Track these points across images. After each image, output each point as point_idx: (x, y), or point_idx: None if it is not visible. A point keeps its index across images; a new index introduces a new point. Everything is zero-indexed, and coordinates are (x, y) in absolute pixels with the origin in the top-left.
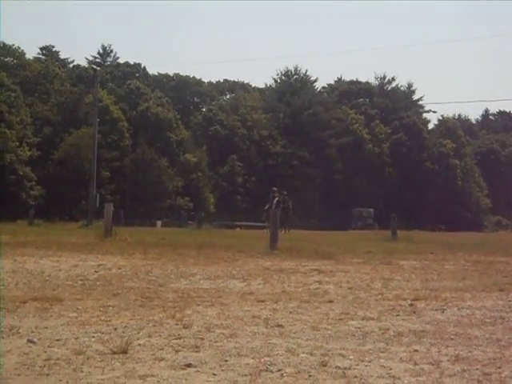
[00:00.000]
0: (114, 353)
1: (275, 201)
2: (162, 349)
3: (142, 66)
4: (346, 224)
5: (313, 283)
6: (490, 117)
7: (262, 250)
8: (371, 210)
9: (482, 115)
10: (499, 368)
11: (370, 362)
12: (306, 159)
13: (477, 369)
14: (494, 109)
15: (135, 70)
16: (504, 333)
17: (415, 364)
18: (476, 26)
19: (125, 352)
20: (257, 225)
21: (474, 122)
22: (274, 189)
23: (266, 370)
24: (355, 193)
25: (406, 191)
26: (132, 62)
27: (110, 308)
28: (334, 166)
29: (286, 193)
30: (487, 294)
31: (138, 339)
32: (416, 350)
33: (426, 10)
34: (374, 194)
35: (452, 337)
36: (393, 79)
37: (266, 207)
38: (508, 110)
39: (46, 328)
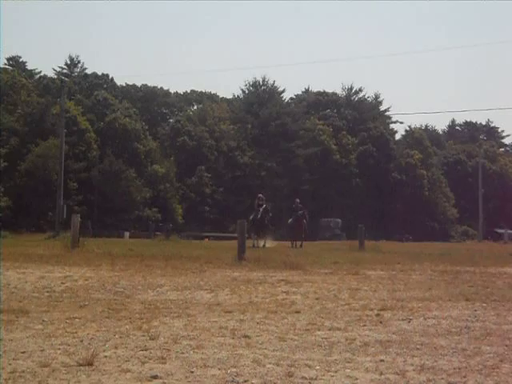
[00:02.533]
0: (80, 365)
1: (261, 209)
2: (128, 360)
3: (110, 76)
4: (314, 234)
5: (280, 294)
6: (457, 127)
7: (230, 261)
8: (339, 220)
9: (449, 126)
10: (464, 377)
11: (336, 372)
12: (274, 170)
13: (442, 378)
14: (460, 119)
15: (103, 81)
16: (469, 342)
17: (381, 374)
18: (441, 38)
19: (90, 364)
20: (225, 236)
21: (441, 133)
22: (260, 196)
23: (232, 381)
24: (323, 203)
25: (374, 202)
26: (100, 73)
27: (77, 320)
28: (302, 176)
29: (298, 200)
30: (453, 303)
31: (104, 351)
32: (382, 360)
33: (393, 22)
34: (342, 205)
35: (418, 346)
36: (360, 90)
37: (251, 217)
38: (474, 121)
39: (12, 340)
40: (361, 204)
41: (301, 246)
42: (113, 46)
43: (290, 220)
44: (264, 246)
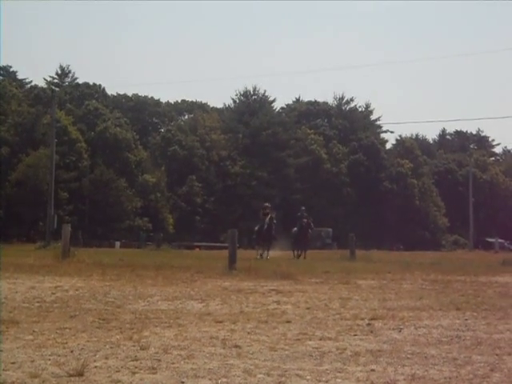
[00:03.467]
0: (70, 375)
1: (267, 219)
2: (119, 371)
3: (102, 86)
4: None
5: (271, 303)
6: (447, 137)
7: (221, 271)
8: (330, 229)
9: (439, 135)
10: None
11: (326, 382)
12: (265, 179)
13: None
14: (450, 129)
15: (94, 91)
16: (460, 352)
17: (372, 383)
18: (432, 47)
19: (81, 374)
20: (216, 245)
21: (432, 142)
22: (267, 204)
23: None
24: (314, 213)
25: (365, 211)
26: (91, 83)
27: (67, 330)
28: (293, 185)
29: (304, 208)
30: (444, 312)
31: (95, 361)
32: (373, 370)
33: (383, 32)
34: (333, 214)
35: (409, 356)
36: (351, 100)
37: (257, 228)
38: (465, 130)
39: (1, 351)
40: (352, 213)
41: (304, 257)
42: (104, 55)
43: (294, 229)
44: (267, 257)
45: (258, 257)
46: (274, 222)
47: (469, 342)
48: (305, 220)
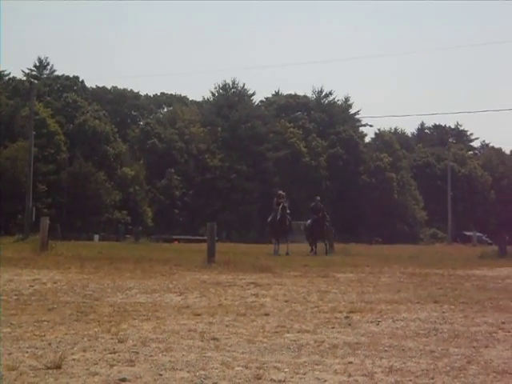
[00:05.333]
0: (48, 368)
1: (280, 208)
2: (97, 363)
3: (80, 79)
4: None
5: (249, 296)
6: (426, 130)
7: (200, 264)
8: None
9: (418, 129)
10: (432, 379)
11: (304, 374)
12: (244, 173)
13: (410, 380)
14: (429, 122)
15: (73, 83)
16: (437, 344)
17: (349, 376)
18: (411, 41)
19: (58, 367)
20: (195, 238)
21: (410, 136)
22: (280, 192)
23: None
24: (293, 206)
25: (343, 204)
26: (70, 75)
27: (45, 323)
28: (272, 179)
29: (319, 198)
30: (422, 305)
31: (73, 354)
32: (350, 362)
33: (362, 25)
34: (311, 207)
35: (386, 348)
36: (330, 93)
37: (270, 218)
38: (443, 124)
39: None
40: (330, 207)
41: (326, 252)
42: (83, 48)
43: (308, 222)
44: (287, 253)
45: (273, 253)
46: (288, 211)
47: (446, 335)
48: (319, 213)
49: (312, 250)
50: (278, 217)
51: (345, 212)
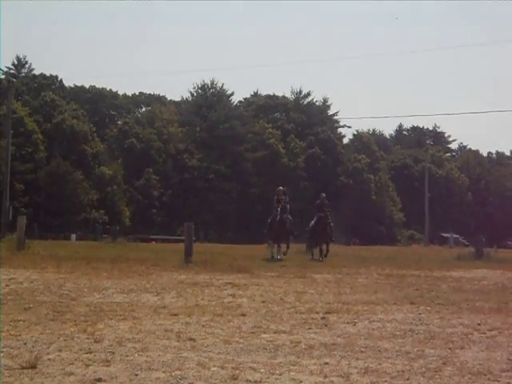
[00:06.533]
0: (23, 368)
1: (280, 208)
2: (72, 363)
3: (59, 78)
4: (262, 238)
5: (226, 297)
6: (404, 132)
7: (177, 264)
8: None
9: (396, 130)
10: (407, 380)
11: (280, 375)
12: (222, 173)
13: (385, 381)
14: (407, 124)
15: (51, 82)
16: (413, 345)
17: (325, 377)
18: (389, 43)
19: (34, 367)
20: (172, 238)
21: (388, 137)
22: (280, 188)
23: None
24: (271, 206)
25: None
26: (48, 74)
27: (21, 322)
28: (250, 179)
29: (324, 195)
30: (398, 307)
31: (48, 354)
32: (326, 363)
33: (342, 26)
34: (290, 208)
35: (362, 349)
36: (308, 94)
37: (269, 220)
38: (421, 126)
39: None
40: (308, 207)
41: (325, 255)
42: (61, 46)
43: (311, 222)
44: (284, 254)
45: (270, 257)
46: (287, 209)
47: (422, 336)
48: (321, 214)
49: (312, 254)
50: (278, 217)
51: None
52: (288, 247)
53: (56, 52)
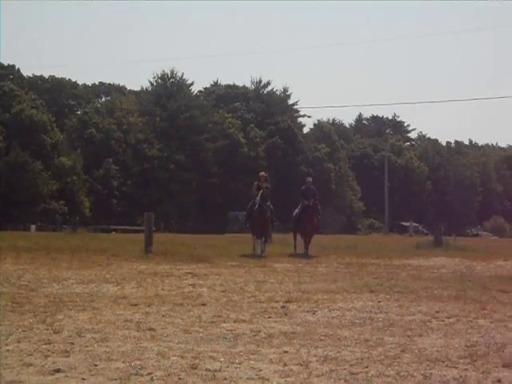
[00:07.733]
0: None
1: (260, 194)
2: (31, 354)
3: (17, 67)
4: (222, 227)
5: (186, 286)
6: (364, 121)
7: (137, 254)
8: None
9: (356, 120)
10: (366, 367)
11: (240, 363)
12: (183, 163)
13: (344, 369)
14: (367, 114)
15: (9, 72)
16: (372, 333)
17: (285, 365)
18: (348, 33)
19: None
20: (132, 228)
21: (348, 127)
22: (262, 173)
23: (136, 374)
24: (231, 196)
25: (281, 195)
26: (6, 64)
27: None
28: (210, 169)
29: (311, 180)
30: (358, 295)
31: (7, 345)
32: (286, 352)
33: (302, 16)
34: (250, 198)
35: (322, 338)
36: (268, 83)
37: (247, 208)
38: (381, 115)
39: None
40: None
41: (306, 248)
42: (20, 35)
43: (296, 210)
44: (262, 255)
45: (253, 251)
46: (268, 196)
47: (381, 324)
48: (307, 202)
49: (296, 248)
50: (257, 206)
51: (283, 202)
52: (266, 241)
53: (13, 41)
